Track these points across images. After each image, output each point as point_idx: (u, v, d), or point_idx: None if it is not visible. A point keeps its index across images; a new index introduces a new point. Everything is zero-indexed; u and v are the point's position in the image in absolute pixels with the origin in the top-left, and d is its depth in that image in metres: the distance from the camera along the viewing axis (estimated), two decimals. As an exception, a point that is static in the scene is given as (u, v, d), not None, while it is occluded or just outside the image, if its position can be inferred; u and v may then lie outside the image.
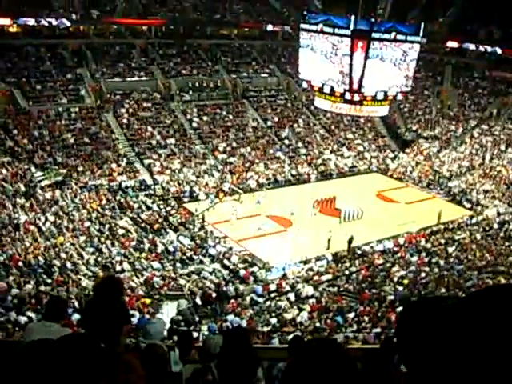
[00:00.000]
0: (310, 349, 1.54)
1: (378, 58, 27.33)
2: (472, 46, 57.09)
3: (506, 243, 32.20)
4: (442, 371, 1.08)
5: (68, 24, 47.90)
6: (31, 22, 45.92)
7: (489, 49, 55.25)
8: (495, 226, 35.31)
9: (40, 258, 24.60)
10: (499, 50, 54.10)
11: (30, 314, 18.41)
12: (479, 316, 1.07)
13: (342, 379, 1.42)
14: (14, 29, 47.35)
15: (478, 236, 33.42)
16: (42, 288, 21.53)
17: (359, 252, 30.92)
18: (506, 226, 35.10)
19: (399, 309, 21.65)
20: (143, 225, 32.37)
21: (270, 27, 57.91)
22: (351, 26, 27.03)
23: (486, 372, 1.02)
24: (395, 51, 27.73)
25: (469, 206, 40.42)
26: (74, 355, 1.32)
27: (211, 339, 6.05)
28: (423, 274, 27.22)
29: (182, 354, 5.98)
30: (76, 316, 17.18)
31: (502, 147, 47.68)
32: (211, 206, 36.24)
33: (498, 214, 37.44)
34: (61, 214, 30.54)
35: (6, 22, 45.57)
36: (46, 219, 29.33)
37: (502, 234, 33.82)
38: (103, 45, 50.30)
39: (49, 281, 22.74)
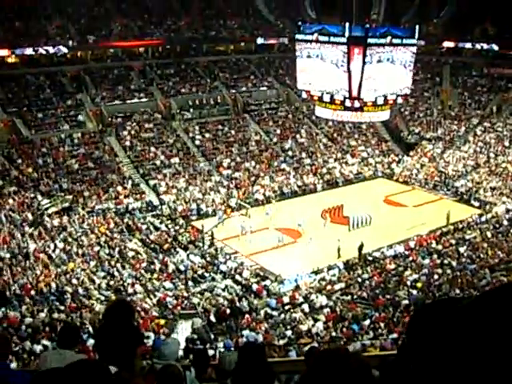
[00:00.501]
0: (321, 360, 1.51)
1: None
2: (468, 45, 57.31)
3: (518, 239, 32.07)
4: (456, 373, 1.05)
5: (65, 51, 48.26)
6: (29, 51, 46.32)
7: (485, 46, 55.40)
8: (505, 222, 35.14)
9: (52, 285, 24.63)
10: (496, 47, 54.22)
11: (44, 342, 18.43)
12: (495, 315, 1.04)
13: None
14: (12, 59, 47.71)
15: (489, 234, 33.25)
16: (56, 315, 21.52)
17: (370, 258, 30.80)
18: (516, 222, 35.00)
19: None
20: (153, 246, 32.33)
21: (265, 40, 58.12)
22: (346, 34, 27.22)
23: (503, 372, 0.99)
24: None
25: (477, 204, 40.29)
26: (81, 382, 1.30)
27: (226, 356, 6.01)
28: (436, 276, 27.06)
29: (199, 372, 5.94)
30: (91, 341, 17.14)
31: (506, 143, 47.61)
32: (220, 222, 36.17)
33: (507, 210, 37.28)
34: (70, 240, 30.57)
35: (4, 52, 45.96)
36: (56, 246, 29.35)
37: (512, 231, 33.68)
38: (101, 69, 50.57)
39: (62, 308, 22.73)
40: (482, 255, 29.73)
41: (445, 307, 1.19)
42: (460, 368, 1.04)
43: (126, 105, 47.56)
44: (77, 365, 1.37)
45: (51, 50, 47.22)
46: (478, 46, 56.40)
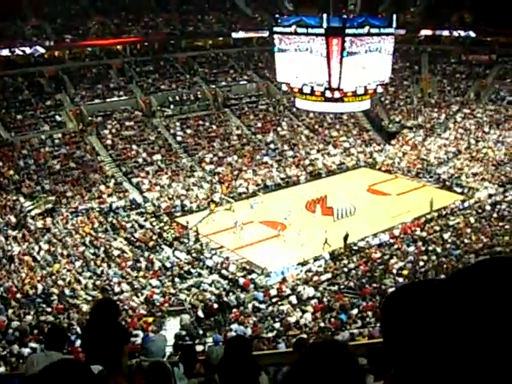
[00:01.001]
0: (308, 352, 1.51)
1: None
2: (445, 32, 57.71)
3: (500, 223, 32.34)
4: (432, 357, 1.06)
5: (42, 51, 47.77)
6: (5, 52, 45.83)
7: (462, 33, 55.79)
8: (487, 207, 35.43)
9: (38, 287, 24.49)
10: (473, 34, 54.62)
11: (32, 344, 18.31)
12: (468, 292, 1.05)
13: (343, 380, 1.39)
14: (-12, 61, 47.23)
15: (472, 219, 33.52)
16: (43, 318, 21.41)
17: (356, 248, 30.93)
18: (498, 206, 35.27)
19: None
20: (138, 243, 32.21)
21: (243, 34, 57.96)
22: (324, 25, 27.21)
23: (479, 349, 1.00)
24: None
25: (459, 190, 40.56)
26: (61, 381, 1.29)
27: (214, 350, 6.01)
28: (422, 263, 27.28)
29: (187, 368, 5.94)
30: (79, 342, 17.07)
31: (486, 129, 47.99)
32: (204, 217, 36.03)
33: (489, 195, 37.61)
34: (54, 241, 30.38)
35: (-21, 55, 45.48)
36: (40, 248, 29.16)
37: (495, 215, 33.93)
38: (79, 68, 50.20)
39: (49, 309, 22.63)
40: (466, 240, 29.99)
41: (417, 288, 1.20)
42: (435, 347, 1.05)
43: (106, 103, 47.26)
44: (55, 365, 1.36)
45: (28, 50, 46.73)
46: (455, 34, 56.79)
